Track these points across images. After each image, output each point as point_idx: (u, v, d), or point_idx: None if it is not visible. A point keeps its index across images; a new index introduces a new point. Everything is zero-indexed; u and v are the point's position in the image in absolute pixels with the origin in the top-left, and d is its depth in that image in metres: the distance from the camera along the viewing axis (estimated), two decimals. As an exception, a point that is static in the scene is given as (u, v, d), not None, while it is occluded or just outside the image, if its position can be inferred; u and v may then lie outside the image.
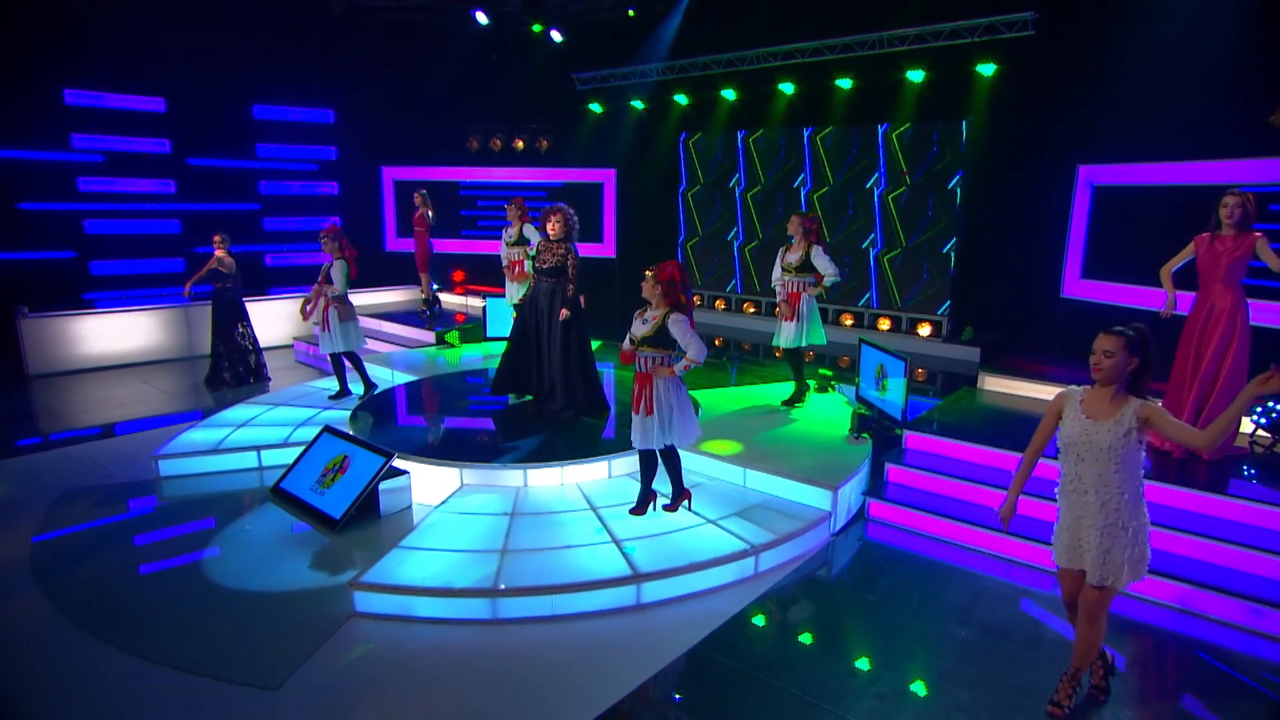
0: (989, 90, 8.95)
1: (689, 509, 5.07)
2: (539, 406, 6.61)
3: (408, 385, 7.74)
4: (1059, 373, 7.12)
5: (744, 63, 10.52)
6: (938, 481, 5.53)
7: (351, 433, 5.97)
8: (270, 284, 11.59)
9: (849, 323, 10.57)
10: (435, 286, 11.78)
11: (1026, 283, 8.96)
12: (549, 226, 6.25)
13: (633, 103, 12.20)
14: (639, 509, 5.01)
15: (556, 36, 11.78)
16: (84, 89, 10.07)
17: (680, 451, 5.00)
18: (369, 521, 5.14)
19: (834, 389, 7.61)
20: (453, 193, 13.10)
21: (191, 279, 8.49)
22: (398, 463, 5.42)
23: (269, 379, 8.84)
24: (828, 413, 6.82)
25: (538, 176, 13.01)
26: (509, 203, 8.38)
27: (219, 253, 8.28)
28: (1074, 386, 3.23)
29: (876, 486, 5.67)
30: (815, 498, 5.22)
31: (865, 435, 6.16)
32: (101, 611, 4.13)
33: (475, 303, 11.52)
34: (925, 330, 9.92)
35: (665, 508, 5.04)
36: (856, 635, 4.13)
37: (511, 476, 5.49)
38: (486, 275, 11.99)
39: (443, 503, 5.17)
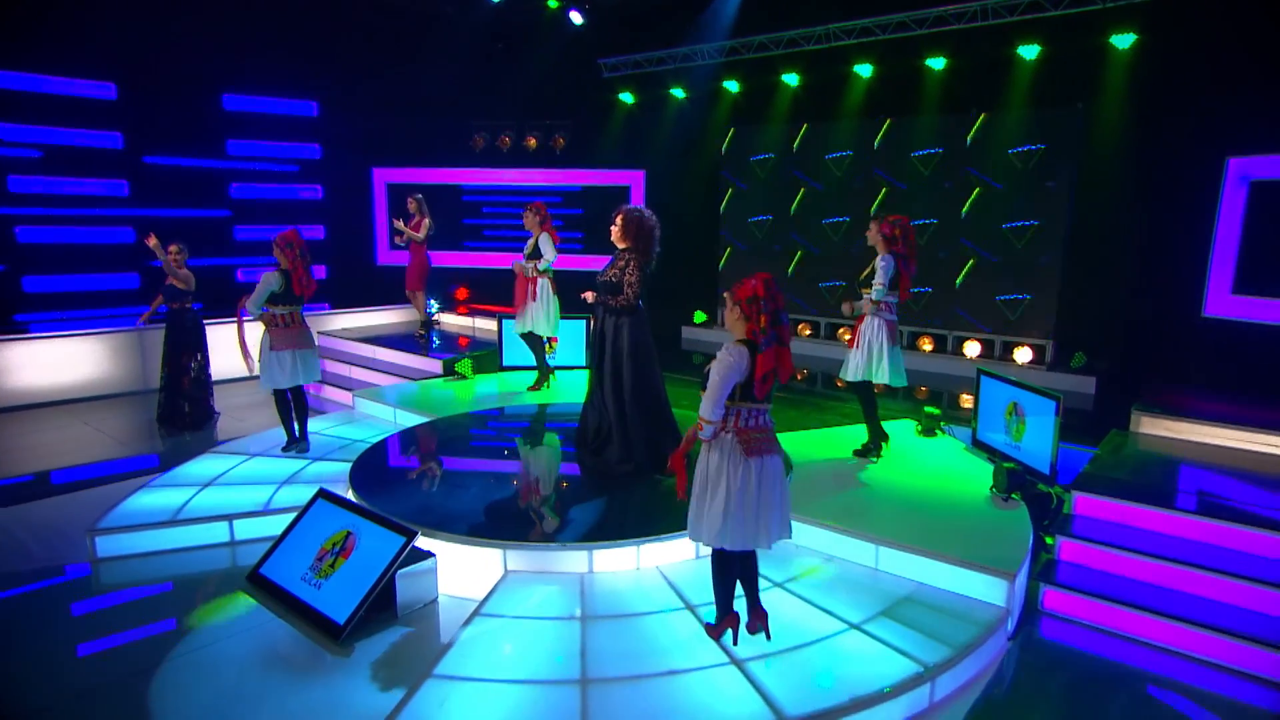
0: (1124, 67, 7.98)
1: (767, 635, 3.71)
2: (591, 458, 5.63)
3: (415, 429, 6.65)
4: (1229, 411, 6.22)
5: (810, 41, 9.65)
6: (1127, 561, 4.54)
7: (354, 498, 4.86)
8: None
9: (928, 347, 9.63)
10: (437, 306, 10.85)
11: (1154, 300, 8.08)
12: (611, 231, 5.51)
13: (672, 91, 11.35)
14: (714, 630, 3.80)
15: (576, 18, 10.90)
16: (16, 70, 9.29)
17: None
18: (383, 623, 4.02)
19: (942, 431, 6.64)
20: (455, 198, 12.35)
21: (149, 311, 8.01)
22: (419, 541, 4.30)
23: (217, 416, 8.12)
24: (941, 463, 5.88)
25: (553, 179, 12.26)
26: (525, 209, 7.52)
27: (174, 265, 7.49)
28: None
29: (1045, 568, 4.63)
30: (980, 588, 4.17)
31: (1015, 496, 5.14)
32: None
33: (483, 324, 10.69)
34: (1024, 355, 8.95)
35: (746, 627, 3.76)
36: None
37: (572, 560, 4.39)
38: (495, 293, 11.10)
39: (486, 600, 4.05)
